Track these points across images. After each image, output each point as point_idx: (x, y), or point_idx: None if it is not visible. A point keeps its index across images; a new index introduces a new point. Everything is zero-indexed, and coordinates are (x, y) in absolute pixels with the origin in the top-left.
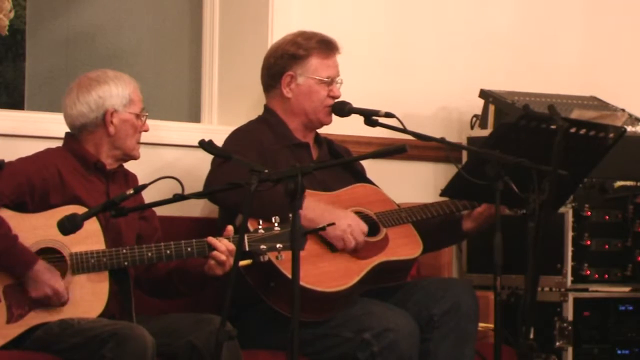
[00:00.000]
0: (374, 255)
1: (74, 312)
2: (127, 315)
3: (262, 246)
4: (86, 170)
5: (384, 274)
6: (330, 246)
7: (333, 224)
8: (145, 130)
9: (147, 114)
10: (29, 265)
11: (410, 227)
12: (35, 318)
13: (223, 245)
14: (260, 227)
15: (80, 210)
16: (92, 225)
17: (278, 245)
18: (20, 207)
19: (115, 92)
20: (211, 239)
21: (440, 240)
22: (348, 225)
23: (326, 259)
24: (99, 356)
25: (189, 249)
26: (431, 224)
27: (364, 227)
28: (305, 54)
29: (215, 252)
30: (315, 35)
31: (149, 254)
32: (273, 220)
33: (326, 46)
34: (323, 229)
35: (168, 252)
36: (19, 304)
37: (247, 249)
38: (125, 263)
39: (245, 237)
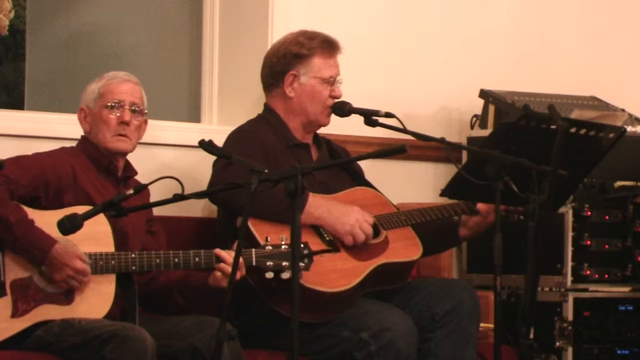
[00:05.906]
0: (375, 257)
1: (79, 312)
2: (129, 318)
3: (269, 263)
4: (98, 172)
5: (384, 276)
6: (332, 247)
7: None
8: (124, 122)
9: (124, 106)
10: (48, 247)
11: (410, 229)
12: (39, 315)
13: (231, 258)
14: (268, 242)
15: None
16: (104, 227)
17: (284, 264)
18: (34, 202)
19: (88, 90)
20: (219, 251)
21: (437, 244)
22: (356, 219)
23: (328, 260)
24: (99, 357)
25: (196, 259)
26: (428, 228)
27: (370, 219)
28: (308, 54)
29: (222, 264)
30: (317, 35)
31: (157, 261)
32: (281, 239)
33: (329, 46)
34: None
35: (176, 260)
36: (25, 299)
37: (254, 263)
38: (133, 267)
39: (253, 252)
